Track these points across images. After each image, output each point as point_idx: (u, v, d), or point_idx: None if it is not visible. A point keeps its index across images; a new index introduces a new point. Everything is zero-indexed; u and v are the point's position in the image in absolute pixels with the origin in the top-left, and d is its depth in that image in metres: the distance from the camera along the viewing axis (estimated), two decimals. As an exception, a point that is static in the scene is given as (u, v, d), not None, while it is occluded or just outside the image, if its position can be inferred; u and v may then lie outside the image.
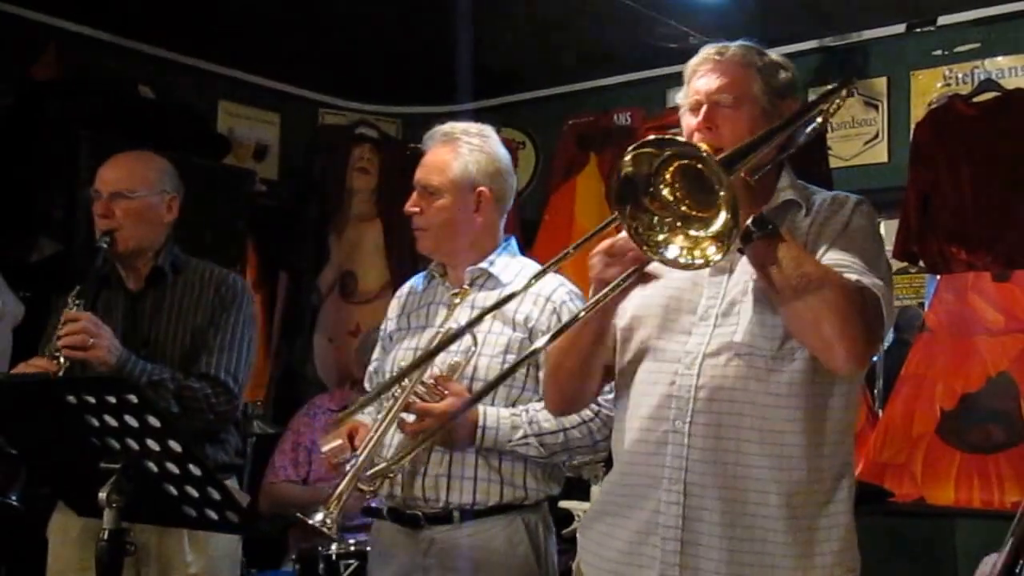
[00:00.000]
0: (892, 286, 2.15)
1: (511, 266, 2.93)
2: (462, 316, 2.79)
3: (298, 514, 2.59)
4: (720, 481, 2.04)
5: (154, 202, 3.12)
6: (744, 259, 2.03)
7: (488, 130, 2.96)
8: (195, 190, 3.39)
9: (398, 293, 3.12)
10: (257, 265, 5.35)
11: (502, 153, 2.96)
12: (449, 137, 2.90)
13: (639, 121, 5.16)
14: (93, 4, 4.65)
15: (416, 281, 3.08)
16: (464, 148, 2.89)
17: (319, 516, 2.52)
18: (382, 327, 3.08)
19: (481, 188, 2.90)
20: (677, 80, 2.39)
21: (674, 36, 4.69)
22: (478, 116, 3.07)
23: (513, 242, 3.00)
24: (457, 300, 2.84)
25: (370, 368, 3.05)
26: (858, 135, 4.75)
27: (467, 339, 2.73)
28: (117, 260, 3.10)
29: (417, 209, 2.90)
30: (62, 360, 2.84)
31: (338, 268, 5.68)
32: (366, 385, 3.05)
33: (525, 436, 2.69)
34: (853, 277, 2.01)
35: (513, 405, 2.78)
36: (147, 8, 4.67)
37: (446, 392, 2.66)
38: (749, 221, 1.93)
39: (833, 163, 4.65)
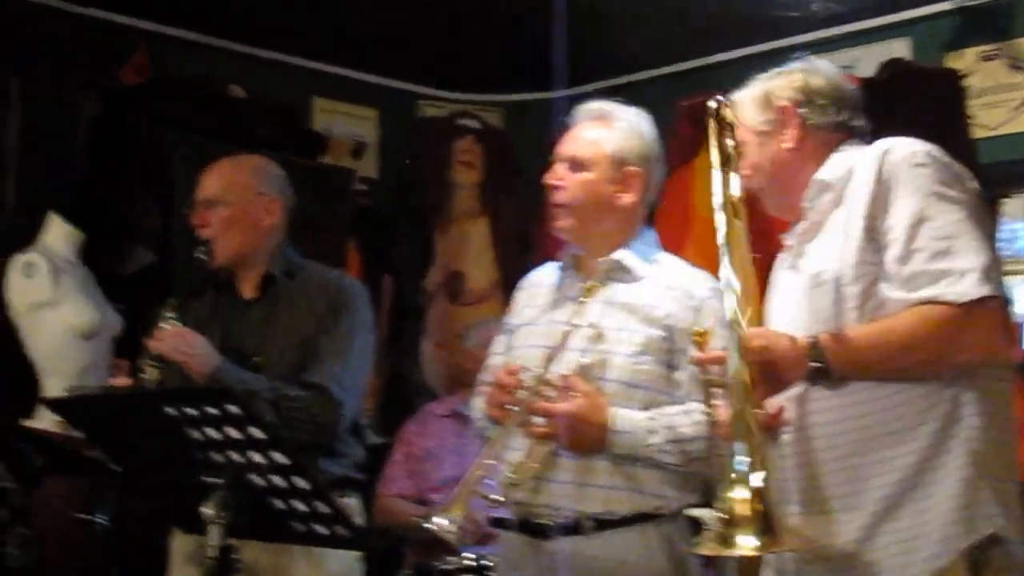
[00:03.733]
0: (983, 236, 2.18)
1: (649, 259, 2.85)
2: (592, 312, 2.72)
3: (418, 519, 2.50)
4: None
5: (249, 207, 3.11)
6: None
7: (641, 113, 2.90)
8: (291, 192, 3.39)
9: (524, 283, 3.05)
10: (359, 269, 5.36)
11: (654, 139, 2.90)
12: (602, 113, 2.86)
13: (758, 97, 4.99)
14: (178, 3, 4.71)
15: (545, 271, 3.01)
16: (618, 125, 2.84)
17: (441, 521, 2.49)
18: (505, 318, 3.02)
19: (632, 168, 2.83)
20: (800, 51, 2.46)
21: (795, 3, 4.62)
22: (589, 99, 2.99)
23: (652, 234, 2.92)
24: (587, 295, 2.76)
25: (491, 362, 2.98)
26: (1004, 101, 4.59)
27: (599, 337, 2.67)
28: (219, 266, 3.11)
29: (560, 182, 2.82)
30: (145, 376, 2.87)
31: (444, 269, 5.68)
32: (482, 379, 2.97)
33: (663, 442, 2.62)
34: (925, 295, 2.11)
35: (647, 409, 2.69)
36: (233, 4, 4.71)
37: (575, 393, 2.59)
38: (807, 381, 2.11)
39: (978, 132, 4.51)
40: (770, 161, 2.44)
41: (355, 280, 3.27)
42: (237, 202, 3.09)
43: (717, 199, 2.31)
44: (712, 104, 2.43)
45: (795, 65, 2.50)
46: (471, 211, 5.72)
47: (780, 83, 2.47)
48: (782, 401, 2.19)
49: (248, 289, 3.15)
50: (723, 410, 2.18)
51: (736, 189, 2.32)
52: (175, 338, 2.90)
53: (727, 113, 2.42)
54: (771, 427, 2.20)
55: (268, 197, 3.13)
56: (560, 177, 2.82)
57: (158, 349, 2.87)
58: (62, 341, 4.08)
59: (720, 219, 2.28)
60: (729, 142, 2.37)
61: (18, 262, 4.02)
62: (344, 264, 5.01)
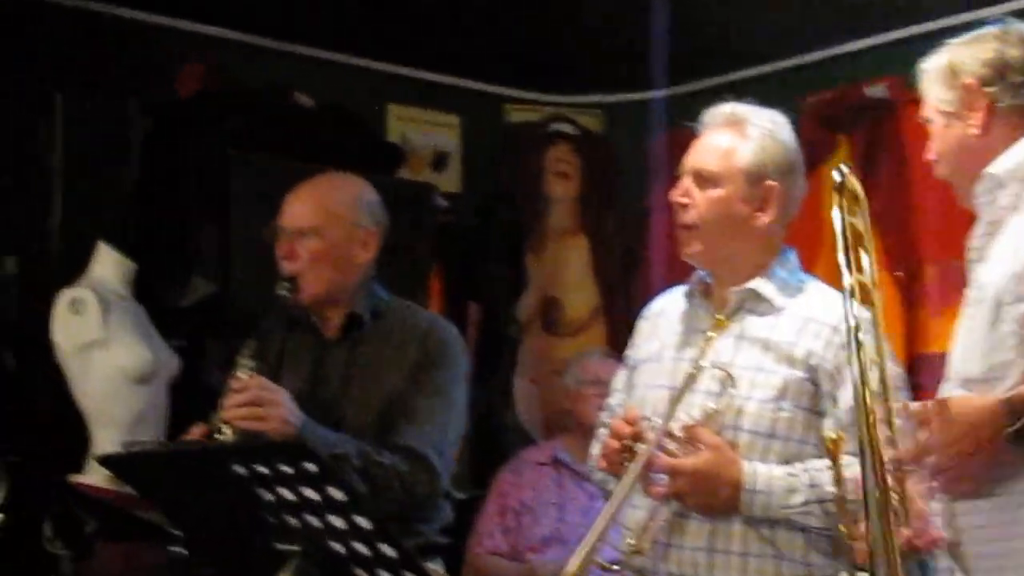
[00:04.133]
0: None
1: (789, 287, 2.77)
2: (722, 350, 2.67)
3: None
4: None
5: (346, 240, 3.09)
6: None
7: (780, 117, 2.84)
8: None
9: (647, 312, 3.00)
10: (442, 295, 5.35)
11: (795, 146, 2.83)
12: (734, 119, 2.79)
13: (899, 92, 4.89)
14: (237, 4, 4.72)
15: (671, 298, 2.95)
16: (754, 132, 2.76)
17: None
18: (626, 352, 2.98)
19: (770, 182, 2.75)
20: (942, 37, 2.41)
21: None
22: (696, 98, 2.94)
23: (793, 256, 2.85)
24: (717, 329, 2.71)
25: (611, 400, 2.95)
26: None
27: (729, 380, 2.61)
28: (302, 305, 3.09)
29: (687, 200, 2.76)
30: (223, 437, 2.86)
31: (539, 294, 5.64)
32: (601, 423, 2.92)
33: (805, 502, 2.56)
34: None
35: (786, 463, 2.63)
36: (296, 4, 4.72)
37: (702, 445, 2.54)
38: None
39: None
40: (956, 147, 2.35)
41: (449, 325, 3.24)
42: (332, 235, 3.07)
43: (846, 287, 2.25)
44: (836, 175, 2.36)
45: (990, 30, 2.38)
46: (568, 228, 5.68)
47: (968, 54, 2.35)
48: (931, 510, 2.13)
49: (329, 330, 3.13)
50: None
51: (868, 275, 2.28)
52: (260, 388, 2.88)
53: (853, 185, 2.35)
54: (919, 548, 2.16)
55: (366, 229, 3.11)
56: (686, 193, 2.76)
57: (240, 403, 2.85)
58: (113, 385, 4.06)
59: (849, 312, 2.21)
60: (858, 221, 2.32)
61: (66, 297, 4.01)
62: (426, 290, 5.00)
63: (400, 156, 5.35)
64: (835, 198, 2.33)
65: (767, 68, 5.33)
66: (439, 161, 5.60)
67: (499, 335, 5.56)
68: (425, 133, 5.57)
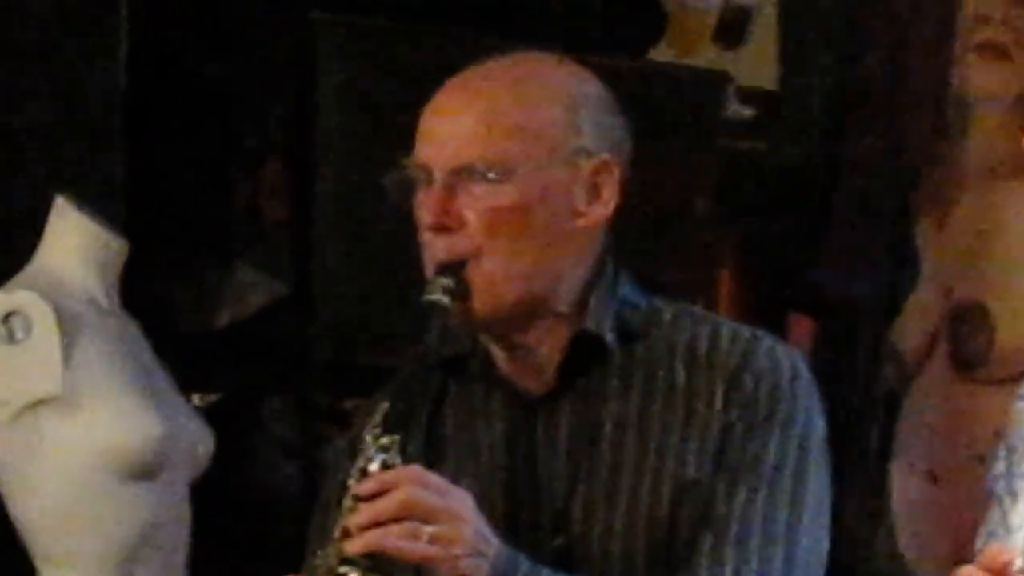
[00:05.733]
0: None
1: None
2: None
3: None
4: None
5: (561, 188, 2.20)
6: None
7: None
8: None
9: None
10: (741, 295, 4.15)
11: None
12: None
13: None
14: None
15: None
16: None
17: None
18: None
19: None
20: None
21: None
22: None
23: None
24: None
25: None
26: None
27: None
28: (475, 326, 2.21)
29: None
30: None
31: (940, 294, 3.94)
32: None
33: None
34: None
35: None
36: None
37: None
38: None
39: None
40: None
41: (789, 352, 2.23)
42: (535, 179, 2.18)
43: None
44: None
45: None
46: (1005, 164, 3.98)
47: None
48: None
49: (530, 371, 2.27)
50: None
51: None
52: (417, 488, 2.03)
53: None
54: None
55: (596, 163, 2.21)
56: None
57: (379, 515, 1.97)
58: (84, 485, 3.06)
59: None
60: None
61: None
62: (712, 285, 3.94)
63: (658, 19, 4.14)
64: None
65: None
66: (732, 27, 4.15)
67: (860, 382, 3.96)
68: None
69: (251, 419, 3.63)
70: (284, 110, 3.66)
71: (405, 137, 2.30)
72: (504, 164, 2.11)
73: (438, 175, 2.09)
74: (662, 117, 3.72)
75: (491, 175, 2.10)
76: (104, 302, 3.09)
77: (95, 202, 3.10)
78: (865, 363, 4.05)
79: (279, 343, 3.57)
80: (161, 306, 3.56)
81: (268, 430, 3.65)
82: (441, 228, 2.09)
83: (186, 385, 3.27)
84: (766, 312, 4.05)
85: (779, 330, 3.97)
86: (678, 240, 3.73)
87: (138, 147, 3.37)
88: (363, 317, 3.25)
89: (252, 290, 3.71)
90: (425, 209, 2.09)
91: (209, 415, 3.31)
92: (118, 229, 3.09)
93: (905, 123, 4.01)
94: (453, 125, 2.15)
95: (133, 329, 3.15)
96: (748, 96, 4.11)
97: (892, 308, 4.01)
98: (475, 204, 2.10)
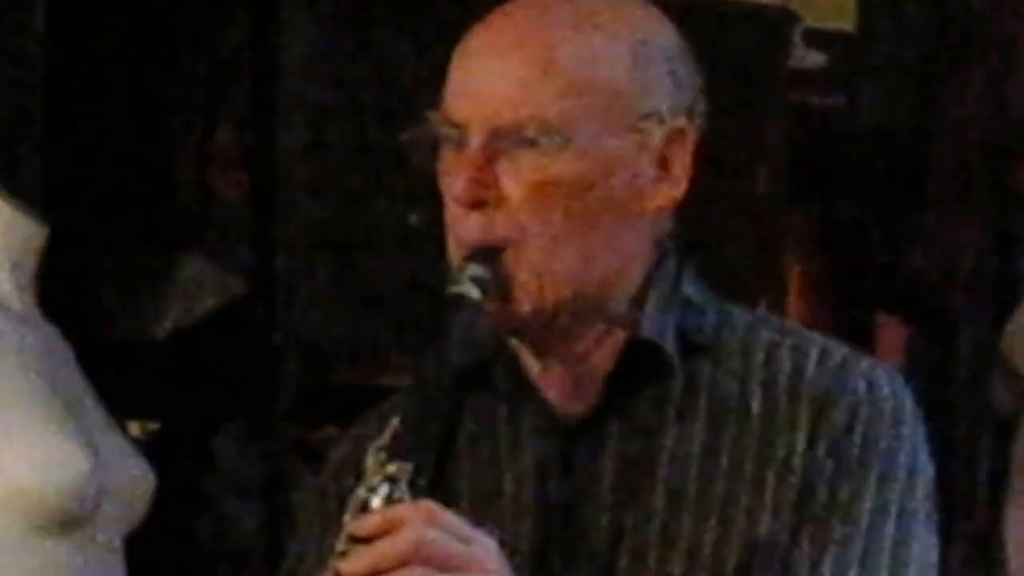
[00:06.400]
0: None
1: None
2: None
3: None
4: None
5: (630, 156, 1.95)
6: None
7: None
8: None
9: None
10: (809, 294, 3.97)
11: None
12: None
13: None
14: None
15: None
16: None
17: None
18: None
19: None
20: None
21: None
22: None
23: None
24: None
25: None
26: None
27: None
28: (510, 328, 1.92)
29: None
30: None
31: None
32: None
33: None
34: None
35: None
36: None
37: None
38: None
39: None
40: None
41: (891, 374, 1.80)
42: (599, 146, 1.92)
43: None
44: None
45: None
46: None
47: None
48: None
49: (567, 387, 2.02)
50: None
51: None
52: (420, 544, 1.72)
53: None
54: None
55: (671, 125, 1.94)
56: None
57: (382, 562, 1.70)
58: None
59: None
60: None
61: None
62: (780, 276, 3.84)
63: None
64: None
65: None
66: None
67: (964, 402, 3.82)
68: None
69: (201, 454, 3.34)
70: (239, 65, 3.31)
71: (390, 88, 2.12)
72: (561, 128, 1.85)
73: (475, 136, 1.81)
74: (712, 67, 3.72)
75: (544, 141, 1.82)
76: (15, 304, 2.82)
77: (3, 179, 2.80)
78: (969, 378, 3.74)
79: (235, 357, 3.29)
80: (88, 310, 3.33)
81: (222, 468, 3.37)
82: (476, 203, 1.81)
83: (120, 411, 2.96)
84: (847, 314, 3.93)
85: (864, 336, 3.81)
86: (735, 223, 3.47)
87: (58, 113, 3.06)
88: (340, 324, 2.95)
89: (201, 289, 3.44)
90: (455, 177, 1.79)
91: (149, 449, 3.09)
92: (34, 211, 2.76)
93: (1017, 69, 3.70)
94: (496, 74, 1.85)
95: (53, 339, 2.86)
96: (820, 40, 3.99)
97: (1002, 309, 3.65)
98: (521, 176, 1.82)
